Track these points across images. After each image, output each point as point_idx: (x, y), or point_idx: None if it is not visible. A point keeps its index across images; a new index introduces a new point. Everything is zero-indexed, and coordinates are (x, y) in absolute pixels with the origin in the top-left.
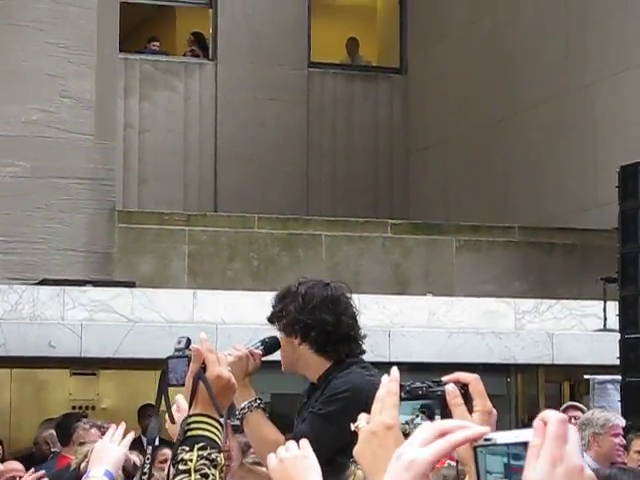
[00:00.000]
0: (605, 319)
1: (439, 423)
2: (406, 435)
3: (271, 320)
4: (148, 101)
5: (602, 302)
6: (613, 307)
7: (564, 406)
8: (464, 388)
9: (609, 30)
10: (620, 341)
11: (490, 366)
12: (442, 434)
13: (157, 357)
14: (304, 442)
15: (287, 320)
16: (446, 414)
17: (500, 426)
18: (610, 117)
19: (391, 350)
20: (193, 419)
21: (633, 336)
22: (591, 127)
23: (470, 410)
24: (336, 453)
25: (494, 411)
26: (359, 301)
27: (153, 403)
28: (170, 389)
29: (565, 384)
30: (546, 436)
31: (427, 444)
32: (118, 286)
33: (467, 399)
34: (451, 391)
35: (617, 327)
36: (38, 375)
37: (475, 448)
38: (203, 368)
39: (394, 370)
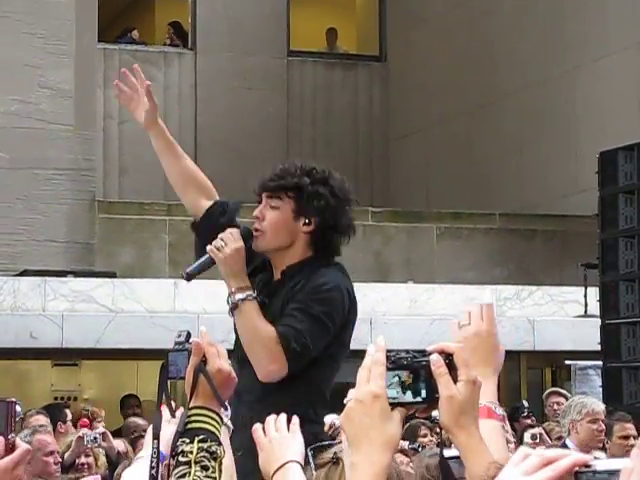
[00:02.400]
0: (586, 305)
1: (542, 452)
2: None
3: (281, 187)
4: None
5: (583, 288)
6: (594, 293)
7: (547, 392)
8: (448, 358)
9: (589, 16)
10: (601, 327)
11: None
12: (547, 463)
13: (139, 347)
14: (295, 421)
15: (308, 199)
16: (431, 383)
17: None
18: (590, 103)
19: (373, 338)
20: (194, 412)
21: (613, 321)
22: (571, 113)
23: (455, 379)
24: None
25: (479, 380)
26: None
27: (135, 393)
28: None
29: (547, 370)
30: (638, 461)
31: (531, 473)
32: (99, 276)
33: (451, 369)
34: (436, 361)
35: (598, 313)
36: (19, 366)
37: (577, 474)
38: (203, 361)
39: (380, 339)
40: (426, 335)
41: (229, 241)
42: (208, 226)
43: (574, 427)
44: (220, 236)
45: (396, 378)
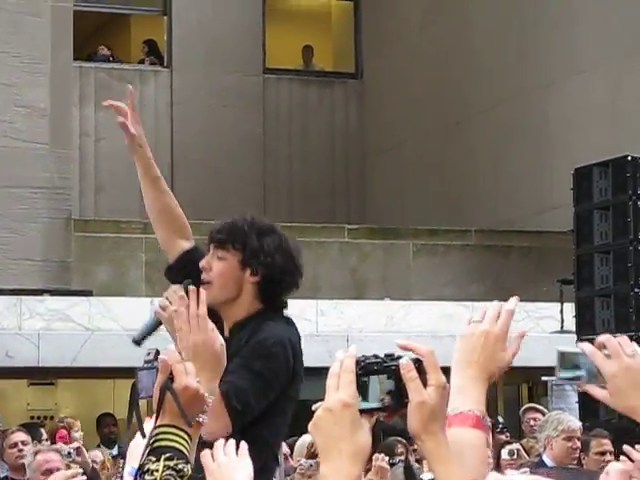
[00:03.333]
0: (562, 321)
1: None
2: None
3: (226, 240)
4: (103, 109)
5: (559, 304)
6: (570, 309)
7: (524, 408)
8: (418, 362)
9: (562, 33)
10: (577, 342)
11: (448, 369)
12: None
13: (115, 366)
14: (243, 446)
15: (254, 250)
16: (400, 388)
17: None
18: (564, 120)
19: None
20: (160, 430)
21: (589, 337)
22: (545, 130)
23: (424, 384)
24: (260, 422)
25: (448, 385)
26: (317, 306)
27: (111, 412)
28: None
29: (523, 386)
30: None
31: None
32: (75, 295)
33: (420, 372)
34: (405, 365)
35: (574, 329)
36: None
37: None
38: (171, 379)
39: (352, 347)
40: (402, 352)
41: (174, 300)
42: (183, 274)
43: (549, 443)
44: (165, 294)
45: (366, 384)
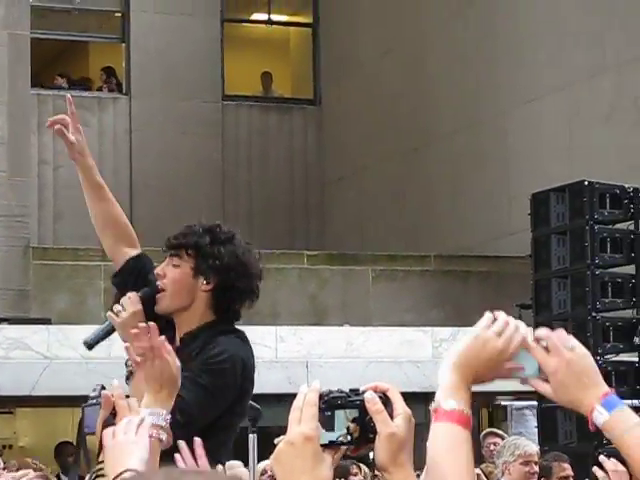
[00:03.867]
0: None
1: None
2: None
3: (182, 245)
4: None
5: None
6: (529, 334)
7: (484, 433)
8: (383, 396)
9: (520, 59)
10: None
11: (409, 395)
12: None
13: (74, 394)
14: (145, 424)
15: (207, 258)
16: (365, 422)
17: (421, 454)
18: (522, 145)
19: (309, 381)
20: (102, 466)
21: None
22: (503, 155)
23: (390, 416)
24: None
25: (412, 418)
26: (277, 333)
27: (71, 440)
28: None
29: (483, 411)
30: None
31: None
32: (34, 323)
33: (386, 405)
34: (371, 398)
35: None
36: None
37: None
38: (114, 414)
39: (315, 382)
40: (362, 378)
41: (127, 305)
42: (130, 281)
43: (507, 468)
44: (121, 300)
45: (329, 418)
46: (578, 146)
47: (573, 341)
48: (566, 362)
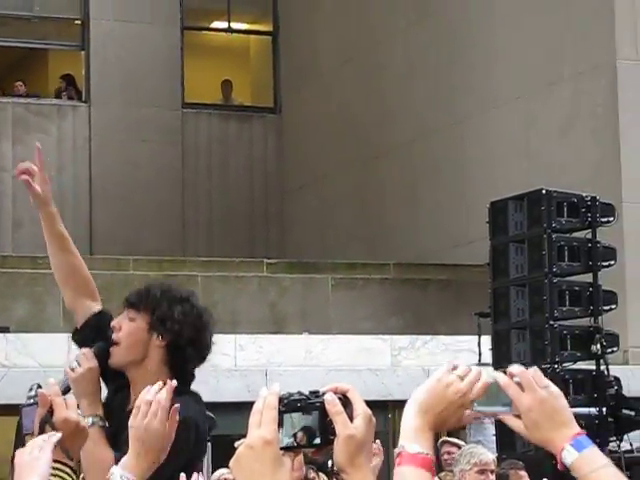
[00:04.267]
0: (480, 353)
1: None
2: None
3: (138, 302)
4: (21, 144)
5: (477, 337)
6: (488, 341)
7: (440, 441)
8: (343, 397)
9: (477, 68)
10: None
11: (368, 403)
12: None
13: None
14: (50, 440)
15: (162, 314)
16: (325, 424)
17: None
18: (479, 154)
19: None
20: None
21: (505, 370)
22: (461, 164)
23: (351, 418)
24: None
25: (373, 417)
26: (236, 341)
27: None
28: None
29: None
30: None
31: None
32: None
33: (346, 407)
34: (330, 400)
35: (491, 361)
36: None
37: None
38: (51, 413)
39: (275, 385)
40: (321, 386)
41: (83, 361)
42: (90, 337)
43: (463, 477)
44: (76, 356)
45: (289, 421)
46: (536, 155)
47: (546, 380)
48: (540, 400)
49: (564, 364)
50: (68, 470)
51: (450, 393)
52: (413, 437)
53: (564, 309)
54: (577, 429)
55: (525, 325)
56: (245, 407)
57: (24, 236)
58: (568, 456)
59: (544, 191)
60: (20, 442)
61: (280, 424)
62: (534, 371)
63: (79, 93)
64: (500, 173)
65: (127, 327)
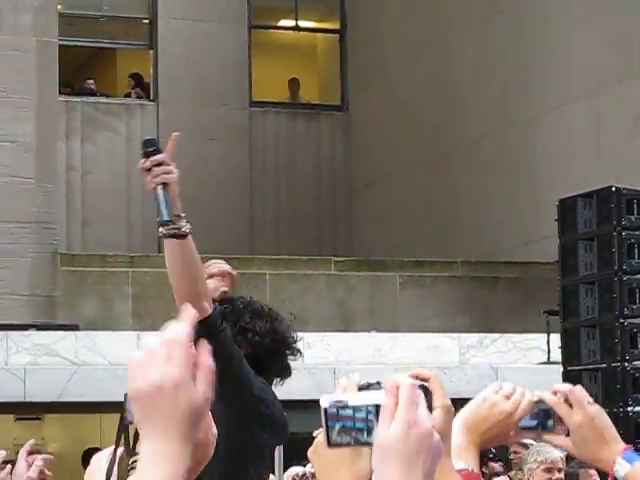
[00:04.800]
0: (549, 352)
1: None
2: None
3: (220, 317)
4: (90, 143)
5: (545, 335)
6: (557, 339)
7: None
8: (423, 386)
9: (548, 65)
10: (563, 373)
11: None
12: None
13: (102, 400)
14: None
15: (245, 325)
16: None
17: None
18: (550, 151)
19: (336, 387)
20: (137, 457)
21: (575, 368)
22: (532, 161)
23: (431, 407)
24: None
25: (452, 407)
26: (304, 339)
27: (99, 447)
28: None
29: None
30: (400, 399)
31: None
32: (61, 329)
33: (426, 395)
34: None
35: (560, 359)
36: None
37: (326, 410)
38: None
39: (354, 374)
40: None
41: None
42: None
43: (531, 475)
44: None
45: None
46: (606, 151)
47: (590, 397)
48: (590, 418)
49: (634, 362)
50: None
51: (495, 413)
52: (457, 454)
53: (634, 307)
54: (624, 444)
55: (595, 323)
56: (313, 405)
57: (93, 234)
58: (620, 469)
59: (613, 188)
60: (124, 429)
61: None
62: (580, 389)
63: (147, 92)
64: (570, 170)
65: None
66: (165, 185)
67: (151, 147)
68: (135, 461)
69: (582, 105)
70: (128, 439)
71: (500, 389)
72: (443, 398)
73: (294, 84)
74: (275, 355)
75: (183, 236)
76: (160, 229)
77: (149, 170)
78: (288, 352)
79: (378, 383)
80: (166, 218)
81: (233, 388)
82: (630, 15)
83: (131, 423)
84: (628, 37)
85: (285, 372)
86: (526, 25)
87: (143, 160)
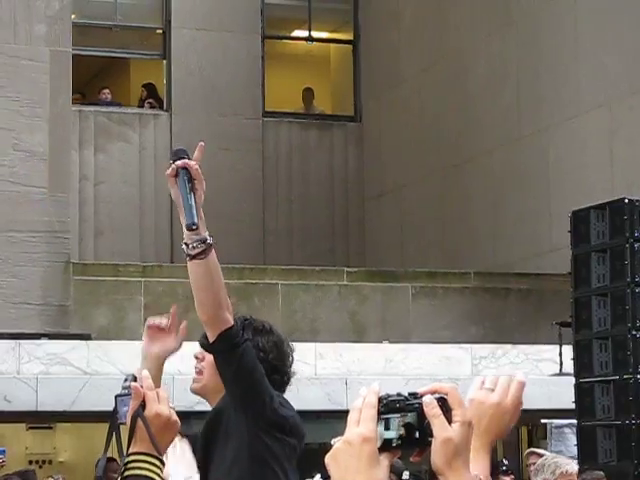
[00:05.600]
0: (561, 363)
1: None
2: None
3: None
4: (103, 153)
5: (558, 346)
6: (569, 351)
7: (526, 452)
8: (442, 400)
9: (561, 76)
10: (575, 385)
11: None
12: None
13: None
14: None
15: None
16: (424, 426)
17: None
18: (563, 162)
19: (348, 398)
20: (132, 458)
21: (587, 380)
22: (545, 172)
23: (449, 421)
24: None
25: (473, 422)
26: (316, 349)
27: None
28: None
29: (523, 429)
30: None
31: None
32: (74, 339)
33: (445, 410)
34: (428, 402)
35: (572, 371)
36: None
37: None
38: (143, 406)
39: (375, 384)
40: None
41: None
42: None
43: None
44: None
45: (387, 421)
46: (619, 163)
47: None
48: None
49: None
50: (158, 463)
51: (486, 408)
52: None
53: None
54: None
55: (607, 335)
56: (325, 415)
57: (105, 244)
58: None
59: (626, 200)
60: (115, 430)
61: (379, 424)
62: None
63: (160, 102)
64: (584, 181)
65: (209, 356)
66: (194, 190)
67: (183, 156)
68: (128, 462)
69: (595, 116)
70: (120, 440)
71: (483, 384)
72: (463, 411)
73: (308, 94)
74: (280, 370)
75: (204, 253)
76: (185, 249)
77: (176, 177)
78: (289, 365)
79: (398, 395)
80: (194, 220)
81: (254, 398)
82: None
83: (122, 424)
84: None
85: (287, 385)
86: (539, 36)
87: (171, 168)
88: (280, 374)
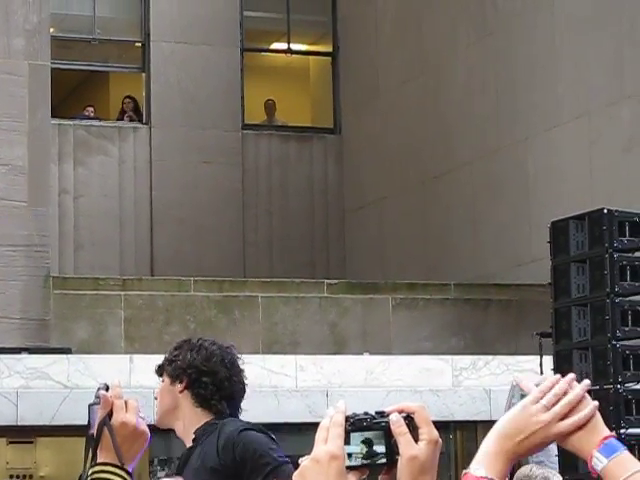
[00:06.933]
0: (541, 374)
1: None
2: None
3: (160, 367)
4: (82, 166)
5: (538, 357)
6: (549, 361)
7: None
8: (409, 417)
9: (539, 87)
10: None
11: (434, 423)
12: None
13: None
14: None
15: (179, 364)
16: (391, 444)
17: None
18: (543, 173)
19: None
20: (97, 468)
21: None
22: (524, 183)
23: (416, 439)
24: None
25: (440, 440)
26: (296, 361)
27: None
28: None
29: None
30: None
31: None
32: (54, 353)
33: (412, 428)
34: (395, 421)
35: None
36: None
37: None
38: (110, 415)
39: (341, 403)
40: (382, 406)
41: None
42: None
43: None
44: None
45: (354, 440)
46: (598, 173)
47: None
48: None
49: (627, 384)
50: (123, 474)
51: (532, 423)
52: (482, 460)
53: (626, 329)
54: (606, 432)
55: (587, 345)
56: (306, 428)
57: (85, 258)
58: (598, 463)
59: (605, 210)
60: (89, 440)
61: (346, 442)
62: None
63: (140, 115)
64: (563, 192)
65: (159, 388)
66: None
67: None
68: (95, 472)
69: (574, 127)
70: (88, 450)
71: (541, 394)
72: (429, 430)
73: (270, 105)
74: (209, 374)
75: None
76: None
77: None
78: (224, 369)
79: (365, 413)
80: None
81: None
82: (621, 36)
83: (93, 435)
84: (619, 58)
85: (232, 383)
86: (517, 47)
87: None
88: (215, 379)
